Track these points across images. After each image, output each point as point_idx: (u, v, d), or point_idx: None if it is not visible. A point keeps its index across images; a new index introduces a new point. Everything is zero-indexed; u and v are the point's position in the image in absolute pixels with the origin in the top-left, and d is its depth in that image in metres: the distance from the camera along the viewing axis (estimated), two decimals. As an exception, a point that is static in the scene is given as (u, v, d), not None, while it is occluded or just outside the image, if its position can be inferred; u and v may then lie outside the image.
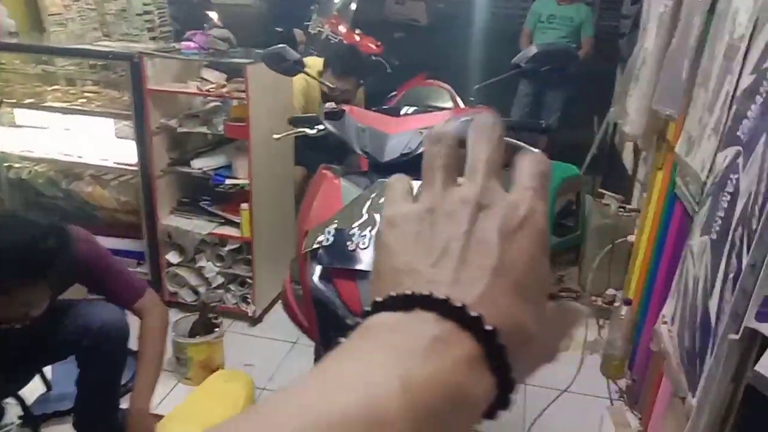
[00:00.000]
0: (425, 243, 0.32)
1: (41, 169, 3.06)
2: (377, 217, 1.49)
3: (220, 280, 2.86)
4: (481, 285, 0.30)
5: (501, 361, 0.29)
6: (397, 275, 0.32)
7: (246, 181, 2.62)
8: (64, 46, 2.92)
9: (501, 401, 0.30)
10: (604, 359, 2.67)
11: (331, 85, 2.31)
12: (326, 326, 1.51)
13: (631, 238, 2.90)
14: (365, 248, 1.44)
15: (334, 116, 1.72)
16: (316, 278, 1.48)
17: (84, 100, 2.89)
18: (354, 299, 1.43)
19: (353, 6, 4.47)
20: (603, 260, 3.10)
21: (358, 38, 4.56)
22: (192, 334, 2.49)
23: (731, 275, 1.26)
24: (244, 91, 2.49)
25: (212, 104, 2.79)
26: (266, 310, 2.96)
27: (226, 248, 2.78)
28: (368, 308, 0.31)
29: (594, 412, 2.42)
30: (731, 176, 1.39)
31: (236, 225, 2.73)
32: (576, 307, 0.38)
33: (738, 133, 1.39)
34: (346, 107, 1.75)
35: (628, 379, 2.60)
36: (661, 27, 2.28)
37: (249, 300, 2.83)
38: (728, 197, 1.39)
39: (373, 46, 4.58)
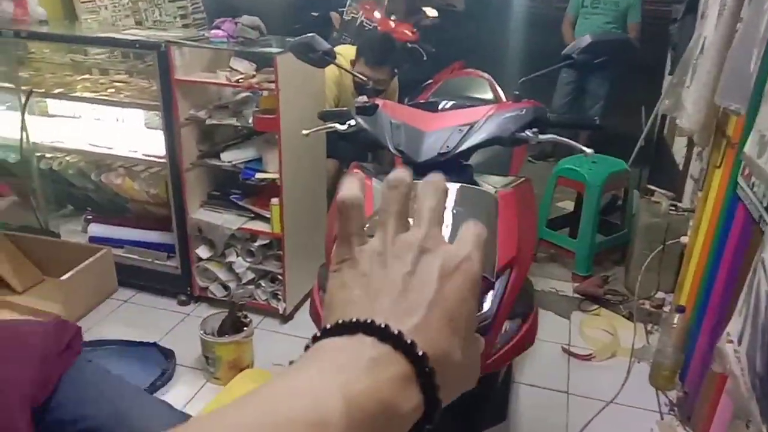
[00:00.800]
0: (373, 280, 0.37)
1: (72, 159, 3.02)
2: (411, 222, 1.37)
3: (251, 275, 2.78)
4: (417, 317, 0.35)
5: (429, 382, 0.33)
6: (346, 306, 0.37)
7: (276, 175, 2.52)
8: (92, 35, 2.84)
9: (427, 418, 0.34)
10: (654, 368, 2.50)
11: (363, 78, 2.17)
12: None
13: (684, 239, 2.71)
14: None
15: (367, 111, 1.60)
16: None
17: (113, 90, 2.83)
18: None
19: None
20: (652, 261, 2.92)
21: (392, 24, 4.41)
22: (221, 332, 2.41)
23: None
24: (273, 82, 2.38)
25: (242, 95, 2.69)
26: (297, 308, 2.87)
27: (257, 244, 2.69)
28: (317, 333, 0.35)
29: (642, 426, 2.27)
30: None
31: (266, 220, 2.64)
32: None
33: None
34: (379, 101, 1.62)
35: (680, 391, 2.44)
36: (723, 14, 2.09)
37: (279, 297, 2.75)
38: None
39: (409, 33, 4.42)
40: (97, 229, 3.11)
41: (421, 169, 1.48)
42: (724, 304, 2.11)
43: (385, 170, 1.58)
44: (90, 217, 3.19)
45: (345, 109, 1.74)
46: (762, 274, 1.42)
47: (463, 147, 1.44)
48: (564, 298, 3.09)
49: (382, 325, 0.33)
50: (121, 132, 2.99)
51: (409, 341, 0.33)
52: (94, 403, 1.45)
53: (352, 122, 1.63)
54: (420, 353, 0.33)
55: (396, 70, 2.97)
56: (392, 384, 0.32)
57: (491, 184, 1.52)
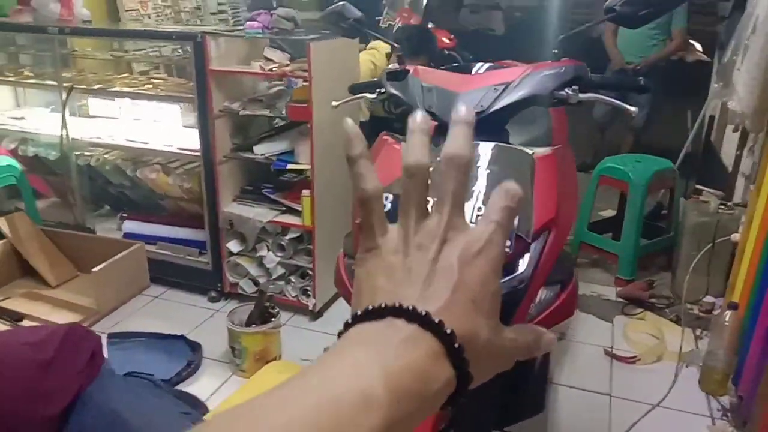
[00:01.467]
0: (398, 269, 0.39)
1: (109, 157, 3.06)
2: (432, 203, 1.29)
3: (281, 270, 2.74)
4: (442, 299, 0.36)
5: (459, 357, 0.35)
6: (373, 293, 0.39)
7: (308, 166, 2.49)
8: (131, 29, 2.89)
9: (460, 392, 0.36)
10: (704, 372, 2.34)
11: (396, 45, 2.10)
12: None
13: (735, 236, 2.55)
14: (428, 216, 1.25)
15: (397, 77, 1.54)
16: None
17: (151, 86, 2.86)
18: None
19: (424, 0, 4.31)
20: (700, 263, 2.77)
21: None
22: (248, 323, 2.36)
23: None
24: (307, 71, 2.36)
25: (276, 88, 2.69)
26: (327, 305, 2.80)
27: (287, 237, 2.65)
28: (349, 320, 0.37)
29: (691, 431, 2.11)
30: None
31: (298, 213, 2.60)
32: (539, 330, 0.43)
33: None
34: (410, 67, 1.56)
35: (733, 396, 2.26)
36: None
37: (309, 293, 2.69)
38: None
39: (447, 40, 4.40)
40: (131, 226, 3.13)
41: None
42: (782, 297, 1.96)
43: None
44: (125, 215, 3.21)
45: (374, 79, 1.69)
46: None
47: (498, 106, 1.37)
48: (607, 302, 2.95)
49: (410, 308, 0.35)
50: (157, 130, 3.01)
51: (437, 320, 0.35)
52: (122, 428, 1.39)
53: (382, 90, 1.58)
54: (448, 331, 0.35)
55: (432, 64, 2.93)
56: (425, 360, 0.34)
57: (529, 146, 1.44)
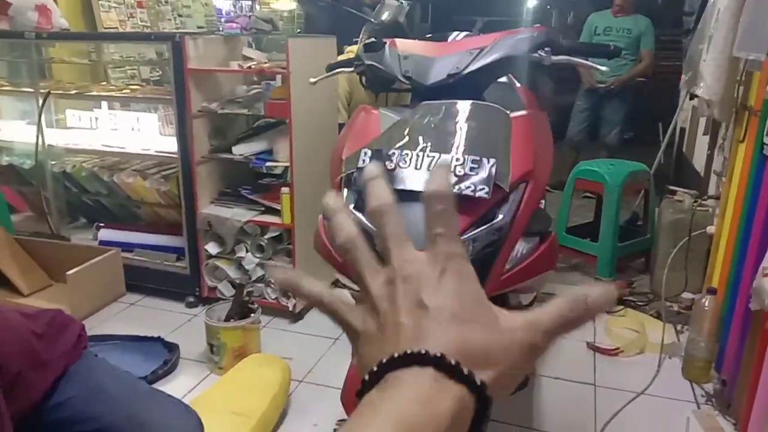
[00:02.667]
0: (381, 322, 0.38)
1: (86, 164, 3.03)
2: (420, 139, 1.31)
3: (260, 272, 2.70)
4: (429, 333, 0.36)
5: (462, 375, 0.34)
6: (381, 349, 0.37)
7: (286, 163, 2.49)
8: (108, 32, 2.91)
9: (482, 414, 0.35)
10: (687, 361, 2.34)
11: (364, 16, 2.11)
12: (362, 260, 1.31)
13: (711, 229, 2.59)
14: (406, 167, 1.25)
15: (374, 48, 1.57)
16: (351, 207, 1.30)
17: (128, 91, 2.86)
18: (394, 226, 1.23)
19: (401, 19, 4.39)
20: (678, 260, 2.79)
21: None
22: (227, 319, 2.31)
23: None
24: (285, 68, 2.39)
25: (254, 91, 2.70)
26: (308, 307, 2.76)
27: (267, 237, 2.63)
28: (359, 390, 0.36)
29: (677, 417, 2.09)
30: None
31: (277, 213, 2.59)
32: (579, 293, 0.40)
33: None
34: (387, 40, 1.59)
35: (716, 383, 2.26)
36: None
37: (289, 294, 2.65)
38: None
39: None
40: (107, 234, 3.08)
41: (430, 93, 1.44)
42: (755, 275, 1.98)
43: (397, 108, 1.53)
44: (101, 224, 3.16)
45: (351, 57, 1.71)
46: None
47: (474, 67, 1.40)
48: (587, 302, 2.95)
49: (438, 355, 0.34)
50: (135, 136, 3.00)
51: (423, 351, 0.34)
52: (105, 403, 1.36)
53: (359, 62, 1.60)
54: (438, 354, 0.34)
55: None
56: (438, 396, 0.33)
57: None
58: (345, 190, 1.32)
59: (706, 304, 2.24)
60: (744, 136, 2.21)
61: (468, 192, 1.20)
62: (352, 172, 1.30)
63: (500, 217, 1.24)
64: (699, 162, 3.52)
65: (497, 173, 1.23)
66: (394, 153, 1.27)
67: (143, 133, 3.06)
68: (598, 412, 2.11)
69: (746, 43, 1.81)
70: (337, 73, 1.70)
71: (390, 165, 1.26)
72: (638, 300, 2.92)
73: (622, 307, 2.85)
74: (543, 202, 2.26)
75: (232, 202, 2.71)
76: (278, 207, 2.57)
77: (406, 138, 1.31)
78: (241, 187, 2.74)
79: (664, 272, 2.79)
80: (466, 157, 1.24)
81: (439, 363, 0.34)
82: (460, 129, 1.31)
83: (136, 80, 3.88)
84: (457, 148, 1.27)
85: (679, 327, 2.69)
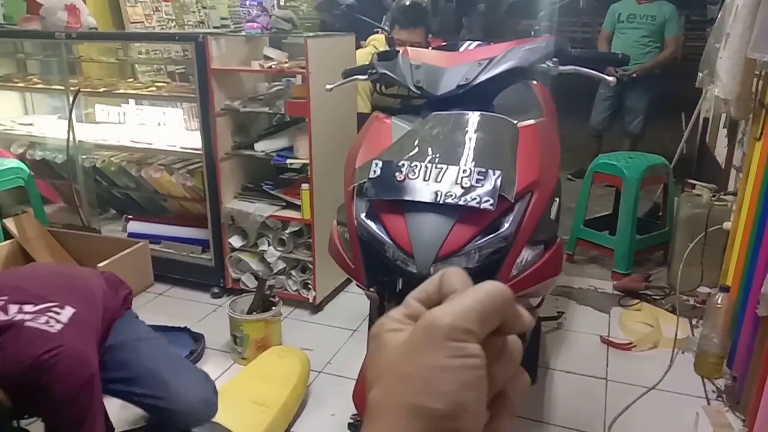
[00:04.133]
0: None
1: (115, 159, 3.14)
2: (429, 150, 1.36)
3: (282, 265, 2.79)
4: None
5: None
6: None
7: (306, 160, 2.56)
8: (135, 31, 2.99)
9: None
10: (699, 356, 2.36)
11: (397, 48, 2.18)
12: (373, 267, 1.38)
13: (727, 225, 2.60)
14: (415, 178, 1.31)
15: (388, 57, 1.62)
16: (362, 215, 1.36)
17: (154, 89, 2.95)
18: (402, 235, 1.29)
19: (424, 3, 4.42)
20: (694, 254, 2.80)
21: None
22: (250, 312, 2.41)
23: None
24: (304, 68, 2.44)
25: (276, 88, 2.77)
26: (328, 299, 2.85)
27: (288, 231, 2.71)
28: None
29: (687, 412, 2.13)
30: None
31: (297, 208, 2.66)
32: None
33: None
34: (400, 48, 1.64)
35: (728, 379, 2.29)
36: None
37: (310, 286, 2.74)
38: None
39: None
40: (135, 226, 3.19)
41: (439, 105, 1.49)
42: (770, 274, 2.00)
43: (408, 118, 1.58)
44: (130, 216, 3.28)
45: (366, 64, 1.77)
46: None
47: (483, 78, 1.44)
48: (603, 295, 2.98)
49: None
50: (161, 132, 3.10)
51: None
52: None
53: (373, 71, 1.65)
54: None
55: (430, 34, 3.01)
56: None
57: (513, 120, 1.50)
58: (359, 201, 1.38)
59: (719, 301, 2.26)
60: (761, 134, 2.21)
61: (473, 204, 1.25)
62: (364, 182, 1.36)
63: (506, 226, 1.29)
64: (720, 154, 3.49)
65: (502, 184, 1.28)
66: (404, 164, 1.33)
67: (169, 128, 3.16)
68: (608, 407, 2.16)
69: (761, 44, 1.81)
70: (353, 80, 1.76)
71: (400, 176, 1.32)
72: (654, 294, 2.95)
73: (637, 300, 2.88)
74: (557, 200, 2.31)
75: (255, 197, 2.80)
76: (299, 202, 2.64)
77: (416, 149, 1.37)
78: (263, 182, 2.82)
79: (680, 266, 2.80)
80: (473, 168, 1.29)
81: None
82: (468, 140, 1.36)
83: (162, 74, 3.99)
84: (465, 159, 1.32)
85: (694, 321, 2.71)
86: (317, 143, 2.55)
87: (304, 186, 2.58)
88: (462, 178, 1.28)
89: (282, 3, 6.36)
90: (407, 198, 1.28)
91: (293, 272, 2.80)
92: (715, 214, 2.75)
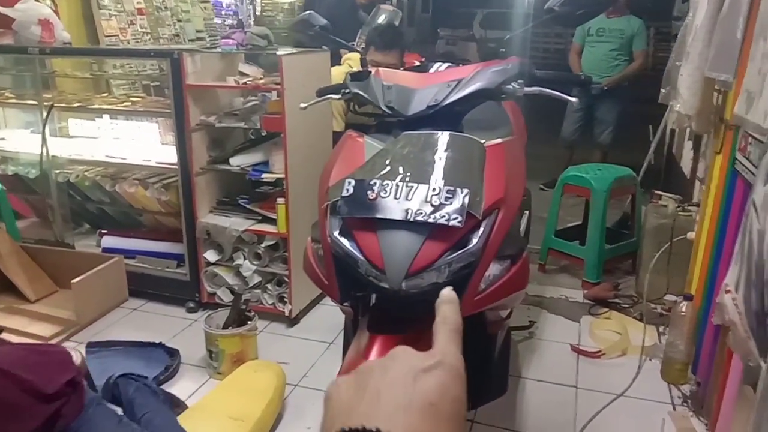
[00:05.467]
0: (381, 396, 0.41)
1: (89, 173, 3.13)
2: (401, 169, 1.40)
3: (257, 279, 2.81)
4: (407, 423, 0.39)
5: None
6: (349, 414, 0.42)
7: (282, 174, 2.59)
8: (109, 47, 3.00)
9: None
10: (665, 363, 2.44)
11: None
12: (346, 283, 1.41)
13: (691, 235, 2.68)
14: (386, 197, 1.35)
15: (360, 77, 1.67)
16: (335, 233, 1.40)
17: (129, 104, 2.96)
18: (375, 252, 1.33)
19: (396, 23, 4.48)
20: (661, 263, 2.89)
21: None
22: (225, 327, 2.42)
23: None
24: (280, 84, 2.48)
25: (251, 103, 2.80)
26: (304, 313, 2.87)
27: (263, 245, 2.73)
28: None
29: (654, 418, 2.20)
30: (795, 108, 1.24)
31: (273, 222, 2.69)
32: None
33: (800, 60, 1.24)
34: (372, 69, 1.69)
35: (692, 384, 2.37)
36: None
37: (286, 299, 2.76)
38: (792, 131, 1.24)
39: (417, 63, 4.55)
40: (110, 241, 3.19)
41: (410, 124, 1.53)
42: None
43: (379, 131, 1.63)
44: (104, 231, 3.27)
45: (340, 83, 1.81)
46: (753, 215, 1.42)
47: (451, 99, 1.49)
48: (574, 304, 3.05)
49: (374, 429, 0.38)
50: (136, 147, 3.10)
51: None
52: None
53: (346, 90, 1.70)
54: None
55: (405, 51, 3.05)
56: None
57: (482, 138, 1.55)
58: (332, 219, 1.41)
59: (683, 309, 2.33)
60: (721, 147, 2.30)
61: (443, 221, 1.29)
62: (338, 200, 1.40)
63: (474, 242, 1.34)
64: (686, 165, 3.61)
65: (470, 202, 1.32)
66: (375, 183, 1.37)
67: (144, 142, 3.16)
68: (578, 414, 2.22)
69: (716, 64, 1.89)
70: (327, 98, 1.80)
71: (372, 195, 1.35)
72: (623, 302, 3.02)
73: (607, 309, 2.95)
74: (527, 212, 2.37)
75: (230, 212, 2.81)
76: (274, 216, 2.67)
77: (388, 168, 1.41)
78: (239, 196, 2.84)
79: (647, 275, 2.89)
80: (443, 187, 1.34)
81: None
82: (438, 159, 1.41)
83: (138, 87, 3.98)
84: (435, 178, 1.36)
85: (661, 329, 2.79)
86: (293, 158, 2.58)
87: (280, 200, 2.61)
88: (432, 196, 1.33)
89: (258, 13, 6.41)
90: (379, 216, 1.32)
91: (269, 286, 2.82)
92: (680, 224, 2.84)
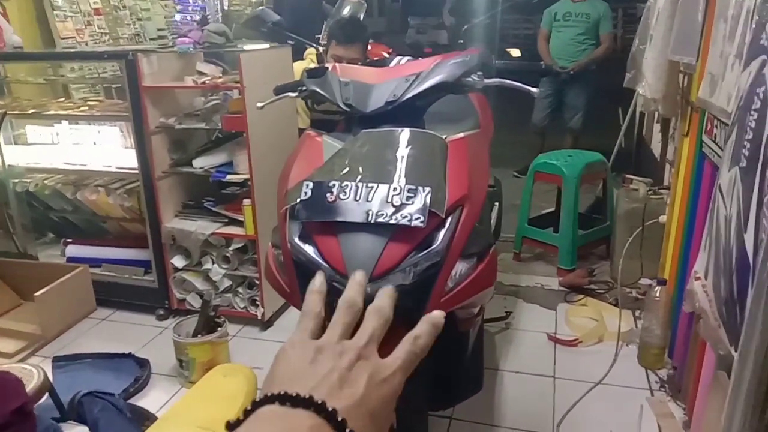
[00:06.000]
0: (317, 365, 0.44)
1: (48, 182, 3.03)
2: (360, 169, 1.35)
3: (228, 283, 2.75)
4: (349, 403, 0.42)
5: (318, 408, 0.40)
6: (290, 381, 0.43)
7: (247, 175, 2.52)
8: (62, 50, 2.89)
9: None
10: (642, 348, 2.43)
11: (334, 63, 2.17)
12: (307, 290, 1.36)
13: (662, 218, 2.68)
14: (346, 198, 1.30)
15: (317, 74, 1.61)
16: (295, 238, 1.34)
17: (87, 108, 2.86)
18: (336, 257, 1.28)
19: (361, 16, 4.41)
20: (634, 247, 2.88)
21: (369, 47, 4.48)
22: (195, 335, 2.36)
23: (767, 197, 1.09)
24: (239, 82, 2.41)
25: (212, 103, 2.72)
26: (277, 315, 2.82)
27: (231, 248, 2.67)
28: (257, 399, 0.41)
29: (632, 404, 2.19)
30: (757, 91, 1.21)
31: (241, 224, 2.62)
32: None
33: (762, 42, 1.22)
34: (329, 65, 1.63)
35: (669, 368, 2.36)
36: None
37: (258, 302, 2.70)
38: (755, 115, 1.21)
39: (386, 54, 4.49)
40: (74, 250, 3.09)
41: (369, 122, 1.48)
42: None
43: (338, 130, 1.57)
44: (69, 240, 3.17)
45: (297, 80, 1.75)
46: (720, 201, 1.40)
47: (410, 94, 1.44)
48: (550, 292, 3.04)
49: (320, 402, 0.40)
50: (97, 152, 3.00)
51: (340, 419, 0.40)
52: None
53: (303, 87, 1.64)
54: (348, 430, 0.40)
55: (369, 47, 2.98)
56: None
57: (444, 133, 1.51)
58: (292, 223, 1.36)
59: (657, 294, 2.33)
60: (688, 130, 2.29)
61: (404, 222, 1.25)
62: (296, 204, 1.35)
63: (438, 241, 1.30)
64: (656, 148, 3.61)
65: (432, 201, 1.28)
66: (334, 185, 1.32)
67: (105, 147, 3.06)
68: (556, 405, 2.20)
69: (679, 47, 1.87)
70: (284, 97, 1.74)
71: (331, 197, 1.30)
72: (599, 288, 3.02)
73: (582, 296, 2.94)
74: (497, 204, 2.33)
75: (196, 215, 2.74)
76: (241, 218, 2.60)
77: (347, 168, 1.36)
78: (204, 198, 2.77)
79: (620, 260, 2.88)
80: (404, 186, 1.29)
81: (338, 425, 0.39)
82: (399, 158, 1.36)
83: (98, 90, 3.86)
84: (395, 177, 1.32)
85: (637, 313, 2.79)
86: (257, 157, 2.51)
87: (246, 201, 2.55)
88: (393, 196, 1.28)
89: (226, 7, 6.27)
90: (339, 219, 1.28)
91: (240, 289, 2.76)
92: (652, 207, 2.84)
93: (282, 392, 0.40)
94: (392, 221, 1.25)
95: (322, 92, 1.56)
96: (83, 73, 3.74)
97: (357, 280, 0.54)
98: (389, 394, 0.45)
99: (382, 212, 1.26)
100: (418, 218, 1.25)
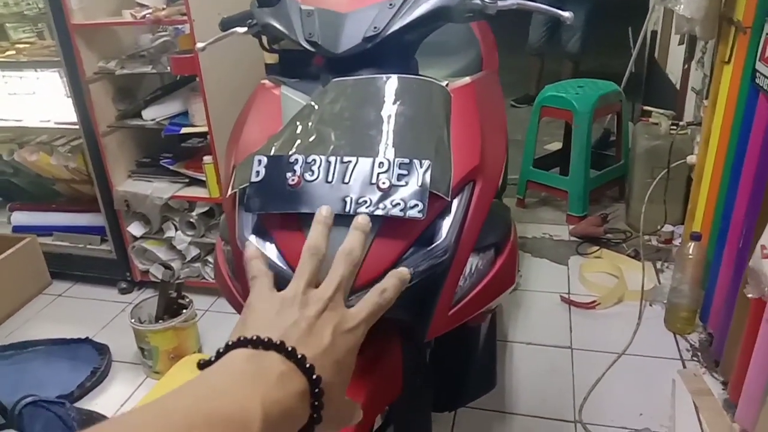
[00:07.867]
0: (285, 313, 0.49)
1: (-20, 141, 2.62)
2: (332, 136, 0.98)
3: (195, 252, 2.40)
4: (316, 351, 0.47)
5: (318, 400, 0.45)
6: (260, 327, 0.47)
7: (204, 128, 2.13)
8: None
9: (308, 428, 0.45)
10: (669, 311, 2.14)
11: None
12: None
13: (691, 159, 2.33)
14: (313, 179, 0.93)
15: (270, 3, 1.19)
16: (248, 234, 0.98)
17: (13, 53, 2.42)
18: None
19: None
20: (656, 191, 2.55)
21: None
22: (158, 319, 2.04)
23: None
24: (186, 14, 1.97)
25: (161, 40, 2.28)
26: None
27: (195, 213, 2.31)
28: (230, 342, 0.45)
29: (662, 378, 1.91)
30: None
31: (203, 184, 2.25)
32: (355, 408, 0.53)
33: None
34: (286, -12, 1.21)
35: (702, 333, 2.08)
36: None
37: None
38: None
39: None
40: (21, 218, 2.72)
41: (343, 65, 1.09)
42: (750, 223, 1.74)
43: (306, 85, 1.18)
44: (17, 205, 2.80)
45: (247, 11, 1.34)
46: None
47: (397, 26, 1.05)
48: (559, 243, 2.72)
49: (290, 348, 0.45)
50: (36, 105, 2.57)
51: (308, 365, 0.44)
52: None
53: (254, 21, 1.23)
54: (315, 376, 0.45)
55: None
56: (294, 396, 0.43)
57: (443, 78, 1.13)
58: (243, 213, 0.99)
59: (691, 250, 2.01)
60: (730, 56, 1.90)
61: (396, 212, 0.89)
62: (245, 187, 0.97)
63: (443, 234, 0.95)
64: (674, 73, 3.20)
65: (433, 179, 0.91)
66: (297, 160, 0.95)
67: (45, 97, 2.63)
68: (576, 383, 1.92)
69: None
70: (231, 33, 1.33)
71: (293, 178, 0.93)
72: (614, 238, 2.70)
73: (596, 247, 2.63)
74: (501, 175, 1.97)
75: (152, 175, 2.36)
76: (204, 178, 2.23)
77: (314, 135, 0.99)
78: (161, 156, 2.38)
79: (641, 206, 2.55)
80: (393, 160, 0.92)
81: (307, 371, 0.45)
82: (385, 118, 0.98)
83: (42, 27, 3.36)
84: (381, 147, 0.95)
85: (658, 265, 2.49)
86: (215, 106, 2.11)
87: (207, 159, 2.17)
88: (378, 174, 0.91)
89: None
90: (305, 211, 0.91)
91: (209, 258, 2.42)
92: (677, 145, 2.48)
93: (254, 336, 0.44)
94: (379, 212, 0.89)
95: (278, 26, 1.15)
96: (20, 9, 3.23)
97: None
98: (353, 344, 0.50)
99: (364, 199, 0.90)
100: (415, 206, 0.89)
